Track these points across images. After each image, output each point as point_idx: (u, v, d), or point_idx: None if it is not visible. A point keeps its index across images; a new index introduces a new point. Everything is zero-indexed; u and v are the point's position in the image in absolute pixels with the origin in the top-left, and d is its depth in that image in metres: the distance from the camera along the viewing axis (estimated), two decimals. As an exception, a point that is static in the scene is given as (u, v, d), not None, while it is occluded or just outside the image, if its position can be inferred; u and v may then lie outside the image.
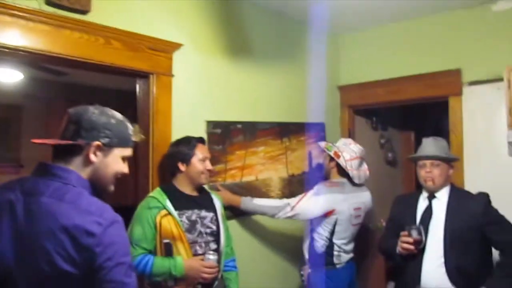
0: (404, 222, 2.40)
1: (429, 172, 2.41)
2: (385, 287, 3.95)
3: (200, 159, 2.33)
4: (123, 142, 1.43)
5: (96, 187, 1.42)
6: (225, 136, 2.93)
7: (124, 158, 1.46)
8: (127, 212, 2.33)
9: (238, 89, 3.04)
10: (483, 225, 2.28)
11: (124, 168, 1.47)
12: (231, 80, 2.99)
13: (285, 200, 2.80)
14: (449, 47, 3.30)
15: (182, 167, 2.32)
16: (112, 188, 1.48)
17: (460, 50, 3.24)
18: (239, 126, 3.03)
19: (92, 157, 1.37)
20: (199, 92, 2.80)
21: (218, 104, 2.91)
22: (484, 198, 2.37)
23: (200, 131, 2.74)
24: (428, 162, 2.42)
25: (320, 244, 2.81)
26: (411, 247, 2.29)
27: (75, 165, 1.37)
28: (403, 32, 3.57)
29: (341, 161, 2.83)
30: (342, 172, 2.86)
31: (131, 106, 2.76)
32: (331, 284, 2.79)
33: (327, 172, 2.99)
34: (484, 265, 2.31)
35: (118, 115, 1.45)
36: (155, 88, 2.56)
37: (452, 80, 3.24)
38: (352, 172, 2.82)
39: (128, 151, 1.46)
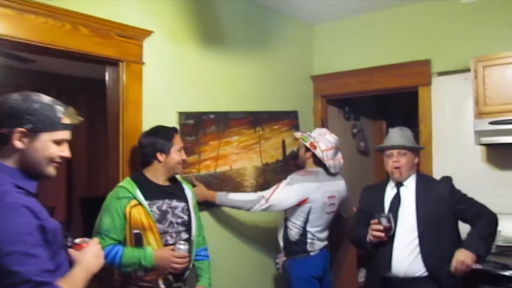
0: (373, 211, 2.44)
1: (396, 162, 2.44)
2: (357, 274, 4.01)
3: (177, 149, 2.33)
4: (50, 126, 1.40)
5: (30, 172, 1.41)
6: (198, 126, 2.90)
7: (57, 142, 1.43)
8: (99, 202, 2.30)
9: (210, 78, 3.01)
10: (452, 205, 2.37)
11: (59, 151, 1.44)
12: (203, 69, 2.96)
13: (259, 193, 2.80)
14: (419, 38, 3.35)
15: (161, 157, 2.30)
16: (50, 171, 1.45)
17: (429, 41, 3.30)
18: (212, 116, 3.01)
19: (18, 143, 1.36)
20: (170, 81, 2.76)
21: (190, 94, 2.87)
22: (448, 181, 2.49)
23: (172, 122, 2.71)
24: (395, 151, 2.46)
25: (294, 232, 2.83)
26: (381, 234, 2.33)
27: (2, 154, 1.38)
28: (375, 23, 3.61)
29: (317, 152, 2.86)
30: (318, 162, 2.89)
31: (101, 95, 2.72)
32: (305, 271, 2.82)
33: (302, 161, 3.01)
34: (456, 246, 2.36)
35: (45, 99, 1.42)
36: (125, 76, 2.51)
37: (421, 71, 3.30)
38: (328, 162, 2.86)
39: (60, 135, 1.43)
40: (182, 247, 2.18)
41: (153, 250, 2.15)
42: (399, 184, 2.50)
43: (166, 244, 2.22)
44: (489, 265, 2.53)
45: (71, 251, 1.47)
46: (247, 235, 3.26)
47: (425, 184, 2.46)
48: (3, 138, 1.36)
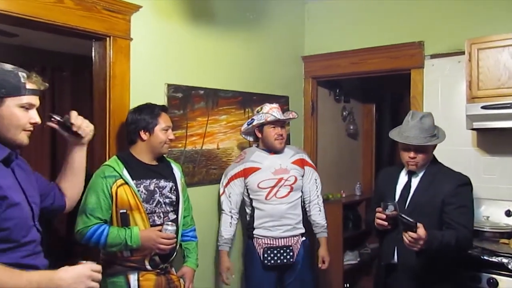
0: (384, 197, 2.33)
1: (413, 158, 2.29)
2: (343, 256, 4.03)
3: (163, 128, 2.25)
4: (13, 91, 1.40)
5: (4, 140, 1.42)
6: (186, 101, 2.85)
7: (24, 107, 1.44)
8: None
9: (199, 54, 2.95)
10: (445, 204, 2.21)
11: (27, 117, 1.45)
12: (192, 45, 2.89)
13: (321, 196, 3.02)
14: (413, 19, 3.30)
15: (144, 136, 2.24)
16: (22, 139, 1.46)
17: (423, 23, 3.25)
18: (201, 92, 2.95)
19: None
20: (159, 57, 2.70)
21: (179, 69, 2.81)
22: (460, 180, 2.28)
23: (160, 95, 2.67)
24: (412, 146, 2.27)
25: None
26: (384, 223, 2.20)
27: None
28: (368, 2, 3.54)
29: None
30: None
31: (85, 72, 2.64)
32: None
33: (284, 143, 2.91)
34: None
35: (6, 66, 1.42)
36: (112, 51, 2.45)
37: (414, 53, 3.25)
38: None
39: (24, 99, 1.43)
40: (170, 228, 2.14)
41: (140, 230, 2.11)
42: (411, 173, 2.37)
43: (153, 225, 2.18)
44: (476, 251, 2.51)
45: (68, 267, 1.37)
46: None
47: (435, 173, 2.31)
48: None
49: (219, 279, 2.92)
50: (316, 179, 2.98)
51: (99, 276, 1.40)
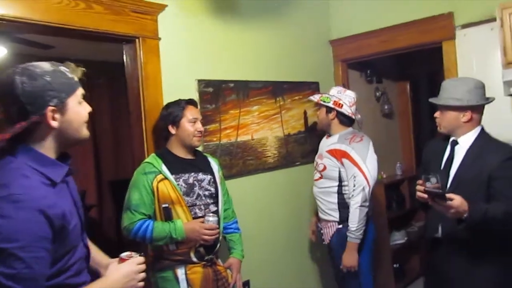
0: (429, 167, 2.27)
1: (437, 118, 2.27)
2: (389, 236, 3.99)
3: (189, 120, 2.28)
4: (70, 89, 1.29)
5: (70, 143, 1.34)
6: (218, 95, 2.89)
7: (80, 101, 1.34)
8: (128, 185, 2.28)
9: (226, 47, 2.97)
10: (492, 179, 2.06)
11: (86, 108, 1.36)
12: (219, 38, 2.92)
13: (357, 195, 2.64)
14: (440, -10, 3.21)
15: (172, 130, 2.29)
16: (87, 134, 1.37)
17: (451, -8, 3.15)
18: (231, 85, 2.99)
19: (53, 123, 1.26)
20: (187, 54, 2.74)
21: (208, 63, 2.85)
22: (509, 152, 2.11)
23: (192, 91, 2.71)
24: (439, 106, 2.25)
25: (348, 196, 2.73)
26: (425, 195, 2.07)
27: (37, 140, 1.27)
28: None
29: (345, 109, 2.77)
30: (345, 121, 2.82)
31: (121, 78, 2.72)
32: (370, 236, 2.80)
33: (325, 126, 2.89)
34: None
35: (47, 67, 1.27)
36: (142, 53, 2.51)
37: (444, 24, 3.16)
38: (358, 117, 2.84)
39: (79, 92, 1.33)
40: (211, 218, 2.18)
41: (183, 223, 2.17)
42: (454, 142, 2.26)
43: (195, 217, 2.23)
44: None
45: (112, 264, 1.41)
46: (275, 203, 3.26)
47: (482, 145, 2.17)
48: (35, 126, 1.24)
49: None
50: (355, 177, 2.66)
51: (144, 266, 1.41)
